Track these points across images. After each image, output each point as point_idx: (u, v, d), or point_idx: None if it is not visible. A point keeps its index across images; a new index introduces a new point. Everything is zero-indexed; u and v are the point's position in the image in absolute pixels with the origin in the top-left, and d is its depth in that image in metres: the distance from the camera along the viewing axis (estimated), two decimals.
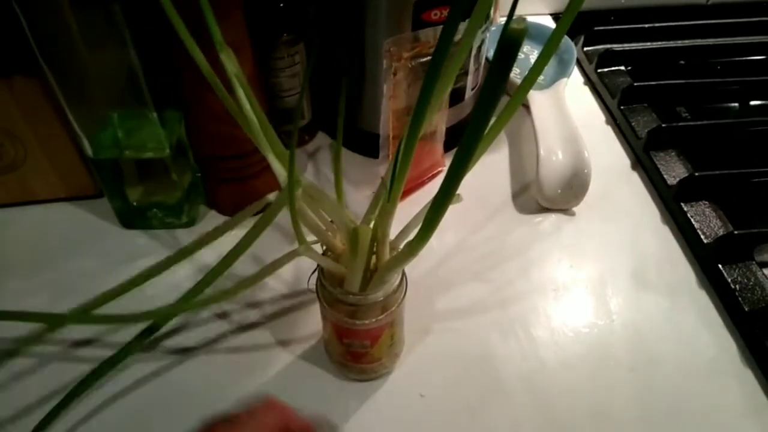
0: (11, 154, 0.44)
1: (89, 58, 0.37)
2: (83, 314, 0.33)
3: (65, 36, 0.36)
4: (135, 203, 0.46)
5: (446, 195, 0.25)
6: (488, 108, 0.20)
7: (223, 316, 0.41)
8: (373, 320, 0.32)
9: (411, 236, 0.33)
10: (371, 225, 0.31)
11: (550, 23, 0.71)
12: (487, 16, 0.48)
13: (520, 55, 0.63)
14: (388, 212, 0.30)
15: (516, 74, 0.60)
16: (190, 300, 0.34)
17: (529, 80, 0.29)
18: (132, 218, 0.46)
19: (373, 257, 0.32)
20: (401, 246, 0.33)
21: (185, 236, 0.46)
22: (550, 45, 0.28)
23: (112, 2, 0.35)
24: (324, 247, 0.33)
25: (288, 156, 0.31)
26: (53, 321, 0.34)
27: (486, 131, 0.22)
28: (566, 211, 0.49)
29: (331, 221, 0.33)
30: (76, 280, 0.43)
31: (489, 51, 0.60)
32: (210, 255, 0.39)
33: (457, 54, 0.27)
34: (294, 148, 0.24)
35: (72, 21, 0.35)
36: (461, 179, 0.24)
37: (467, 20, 0.28)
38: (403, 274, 0.33)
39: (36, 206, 0.48)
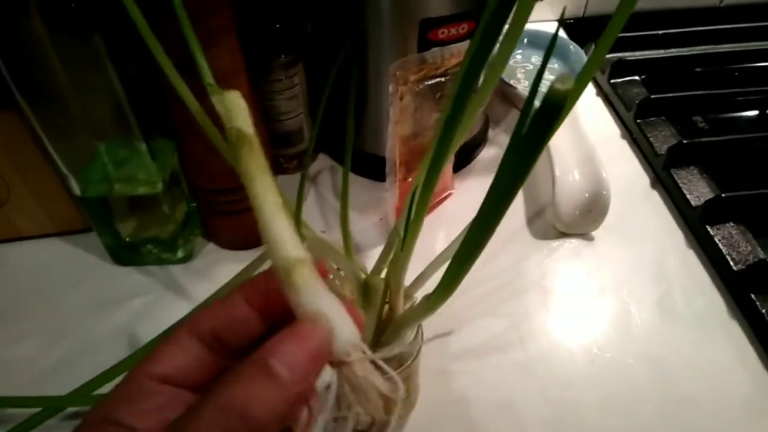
0: None
1: (71, 90, 0.35)
2: (81, 396, 0.32)
3: (43, 67, 0.33)
4: (128, 239, 0.43)
5: (470, 254, 0.22)
6: (517, 181, 0.17)
7: None
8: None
9: (427, 283, 0.30)
10: (383, 275, 0.29)
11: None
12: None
13: (529, 66, 0.60)
14: (401, 261, 0.27)
15: (525, 87, 0.57)
16: None
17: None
18: (125, 255, 0.44)
19: (386, 306, 0.30)
20: (416, 294, 0.30)
21: (181, 272, 0.44)
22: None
23: (92, 32, 0.32)
24: None
25: (287, 202, 0.28)
26: (51, 404, 0.32)
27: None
28: (584, 235, 0.46)
29: (338, 269, 0.30)
30: (67, 324, 0.41)
31: None
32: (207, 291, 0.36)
33: (480, 95, 0.25)
34: (300, 208, 0.22)
35: (50, 51, 0.33)
36: (489, 238, 0.22)
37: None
38: (419, 325, 0.30)
39: (22, 243, 0.45)
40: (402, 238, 0.27)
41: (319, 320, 0.18)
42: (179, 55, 0.28)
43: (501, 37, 0.25)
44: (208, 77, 0.26)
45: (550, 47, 0.21)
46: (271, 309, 0.21)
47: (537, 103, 0.20)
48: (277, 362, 0.17)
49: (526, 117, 0.17)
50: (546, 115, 0.15)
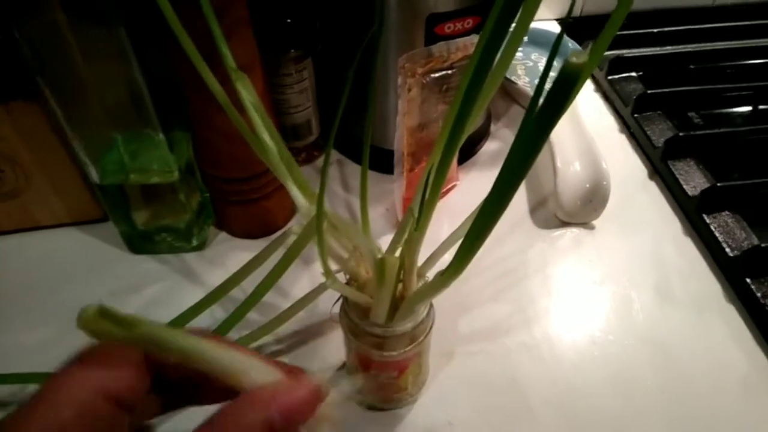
0: (12, 180, 0.42)
1: (92, 80, 0.36)
2: None
3: (66, 58, 0.35)
4: (142, 227, 0.44)
5: (483, 230, 0.24)
6: (533, 149, 0.19)
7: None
8: (401, 351, 0.31)
9: (438, 262, 0.32)
10: (398, 253, 0.30)
11: (556, 29, 0.69)
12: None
13: (529, 63, 0.62)
14: (416, 241, 0.29)
15: (526, 83, 0.59)
16: None
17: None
18: (139, 243, 0.45)
19: (399, 285, 0.31)
20: (428, 273, 0.32)
21: (195, 260, 0.45)
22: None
23: (116, 24, 0.33)
24: (347, 276, 0.32)
25: (307, 183, 0.30)
26: None
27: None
28: (585, 224, 0.48)
29: (354, 248, 0.31)
30: None
31: None
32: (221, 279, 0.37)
33: (496, 72, 0.26)
34: (324, 184, 0.23)
35: (73, 42, 0.34)
36: (502, 212, 0.23)
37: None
38: (430, 302, 0.32)
39: (39, 232, 0.46)
40: (417, 218, 0.28)
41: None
42: (201, 46, 0.29)
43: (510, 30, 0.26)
44: (232, 62, 0.27)
45: (555, 45, 0.22)
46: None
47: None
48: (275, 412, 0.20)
49: (540, 91, 0.19)
50: (563, 86, 0.16)
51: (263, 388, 0.21)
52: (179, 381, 0.23)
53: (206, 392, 0.23)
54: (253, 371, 0.20)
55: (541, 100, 0.18)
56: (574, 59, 0.16)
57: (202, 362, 0.20)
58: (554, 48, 0.22)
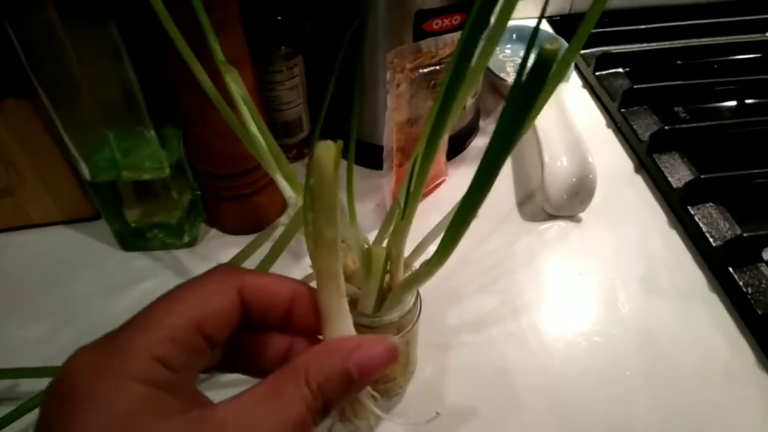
0: (5, 179, 0.43)
1: (84, 77, 0.36)
2: None
3: (59, 56, 0.35)
4: (134, 224, 0.45)
5: (467, 216, 0.24)
6: (513, 134, 0.19)
7: None
8: None
9: (425, 253, 0.32)
10: (384, 244, 0.31)
11: (544, 26, 0.70)
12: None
13: (517, 60, 0.63)
14: (402, 230, 0.29)
15: None
16: None
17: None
18: (131, 240, 0.45)
19: (387, 276, 0.31)
20: (415, 263, 0.32)
21: (186, 257, 0.45)
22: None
23: (107, 21, 0.34)
24: None
25: (295, 176, 0.30)
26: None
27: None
28: (572, 217, 0.48)
29: (341, 240, 0.32)
30: (76, 307, 0.42)
31: None
32: None
33: (479, 62, 0.27)
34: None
35: (66, 40, 0.34)
36: (483, 199, 0.24)
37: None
38: (418, 292, 0.32)
39: (32, 231, 0.47)
40: (403, 208, 0.29)
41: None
42: (191, 41, 0.29)
43: (490, 23, 0.27)
44: (220, 55, 0.27)
45: (532, 37, 0.23)
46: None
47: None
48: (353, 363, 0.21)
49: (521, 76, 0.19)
50: (538, 71, 0.17)
51: (343, 339, 0.22)
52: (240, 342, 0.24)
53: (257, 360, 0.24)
54: (339, 321, 0.22)
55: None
56: (548, 45, 0.17)
57: (319, 277, 0.22)
58: (531, 40, 0.22)
